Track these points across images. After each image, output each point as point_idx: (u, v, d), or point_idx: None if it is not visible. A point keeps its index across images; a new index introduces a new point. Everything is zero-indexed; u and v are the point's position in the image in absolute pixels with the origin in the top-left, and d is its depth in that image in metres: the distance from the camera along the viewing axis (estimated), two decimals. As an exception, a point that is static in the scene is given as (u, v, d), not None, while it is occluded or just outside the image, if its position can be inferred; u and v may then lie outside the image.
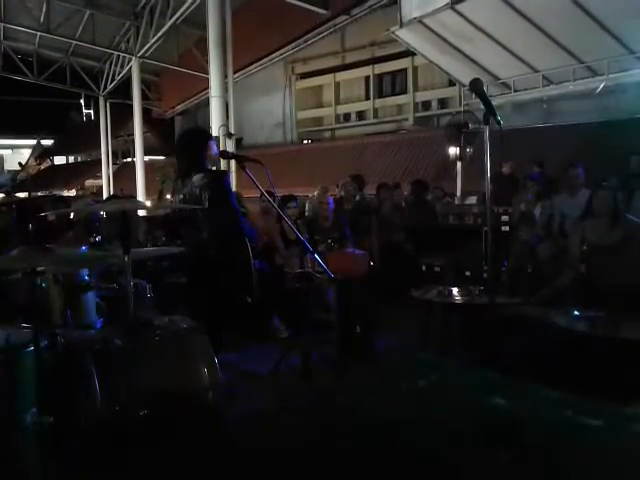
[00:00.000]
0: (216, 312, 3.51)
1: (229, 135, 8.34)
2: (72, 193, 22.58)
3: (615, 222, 4.05)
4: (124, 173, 20.35)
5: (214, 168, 3.84)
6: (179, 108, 18.13)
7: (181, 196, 3.67)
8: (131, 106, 13.96)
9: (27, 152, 30.36)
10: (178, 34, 12.86)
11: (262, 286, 5.23)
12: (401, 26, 9.06)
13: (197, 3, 9.56)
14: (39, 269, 2.03)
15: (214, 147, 3.76)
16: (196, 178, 3.55)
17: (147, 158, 15.36)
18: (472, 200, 9.41)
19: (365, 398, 1.35)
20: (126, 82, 15.20)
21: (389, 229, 7.11)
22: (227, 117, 8.48)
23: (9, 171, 28.48)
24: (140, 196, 13.38)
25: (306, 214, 6.03)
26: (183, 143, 3.89)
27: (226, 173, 3.75)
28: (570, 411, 1.23)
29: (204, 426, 2.53)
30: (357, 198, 7.39)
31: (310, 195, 8.27)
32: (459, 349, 3.91)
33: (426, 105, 18.09)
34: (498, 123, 2.53)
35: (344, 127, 20.03)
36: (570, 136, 10.67)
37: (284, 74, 20.33)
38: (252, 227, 4.24)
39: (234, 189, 7.67)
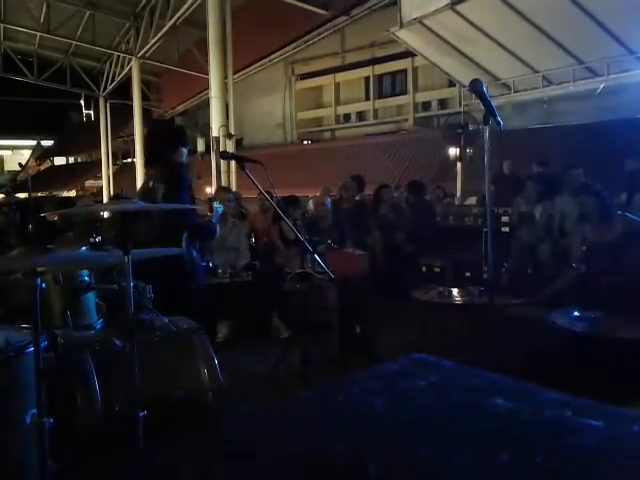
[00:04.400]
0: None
1: (229, 135, 8.34)
2: (72, 194, 22.60)
3: (610, 222, 4.05)
4: (124, 174, 20.36)
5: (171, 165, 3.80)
6: (179, 108, 18.14)
7: (139, 189, 3.68)
8: (131, 106, 13.97)
9: (27, 153, 30.37)
10: (178, 34, 12.87)
11: (261, 286, 5.24)
12: (401, 27, 9.06)
13: (197, 3, 9.57)
14: (39, 269, 2.03)
15: (184, 152, 3.76)
16: (152, 171, 3.58)
17: (147, 159, 15.35)
18: (472, 201, 9.42)
19: (365, 398, 1.35)
20: (126, 82, 15.21)
21: (389, 229, 7.11)
22: (227, 117, 8.49)
23: (9, 172, 28.48)
24: (140, 196, 13.37)
25: (309, 214, 6.04)
26: (155, 139, 3.91)
27: (181, 165, 3.68)
28: (570, 411, 1.23)
29: (204, 426, 2.53)
30: (358, 198, 7.39)
31: (311, 196, 8.27)
32: (459, 349, 3.91)
33: (426, 106, 18.10)
34: (498, 124, 2.53)
35: (344, 127, 20.05)
36: (570, 137, 10.68)
37: (284, 75, 20.34)
38: (210, 224, 4.11)
39: (234, 189, 7.68)
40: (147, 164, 3.77)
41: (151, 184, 3.55)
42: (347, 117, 20.23)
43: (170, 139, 3.82)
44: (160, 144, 3.78)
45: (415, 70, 17.84)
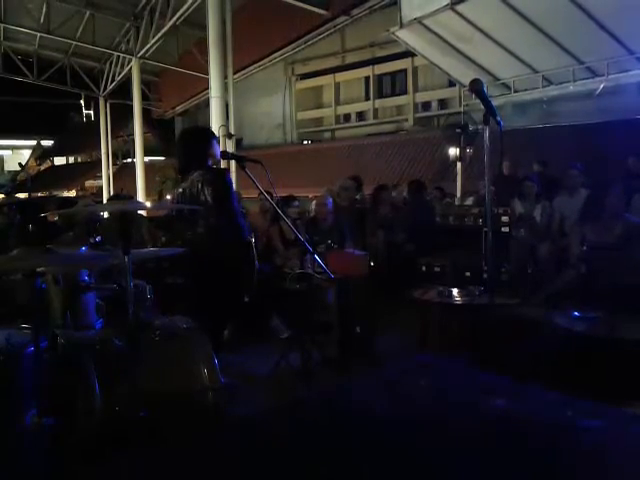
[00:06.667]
0: (213, 311, 3.48)
1: (229, 136, 8.34)
2: (72, 194, 22.59)
3: (614, 222, 4.06)
4: (124, 174, 20.36)
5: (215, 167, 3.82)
6: (179, 108, 18.13)
7: (180, 190, 3.64)
8: (131, 106, 13.95)
9: (27, 153, 30.35)
10: (178, 34, 12.86)
11: (261, 287, 5.24)
12: (401, 27, 9.05)
13: (197, 3, 9.56)
14: (39, 270, 2.03)
15: (216, 147, 3.74)
16: (196, 174, 3.54)
17: (147, 159, 15.35)
18: (471, 201, 9.42)
19: (365, 398, 1.35)
20: (126, 83, 15.20)
21: (389, 229, 7.12)
22: (227, 118, 8.48)
23: (9, 171, 28.46)
24: (140, 197, 13.39)
25: (311, 214, 6.03)
26: (185, 140, 3.87)
27: (227, 170, 3.71)
28: (570, 411, 1.23)
29: (204, 426, 2.53)
30: (358, 197, 7.41)
31: (311, 196, 8.27)
32: (459, 349, 3.91)
33: (426, 106, 18.10)
34: (498, 124, 2.53)
35: (344, 128, 20.05)
36: (570, 137, 10.68)
37: (284, 75, 20.34)
38: (250, 228, 4.22)
39: (234, 189, 7.69)
40: (182, 172, 3.71)
41: (199, 186, 3.47)
42: (347, 117, 20.23)
43: (198, 137, 3.77)
44: (191, 147, 3.72)
45: (415, 70, 17.84)
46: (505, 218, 6.01)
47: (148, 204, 4.32)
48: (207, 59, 8.23)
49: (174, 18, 10.77)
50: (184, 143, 3.80)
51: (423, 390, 1.38)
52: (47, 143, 30.24)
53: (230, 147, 8.14)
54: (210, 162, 3.63)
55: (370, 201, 7.64)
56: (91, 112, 24.63)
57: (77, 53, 15.48)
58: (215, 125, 8.01)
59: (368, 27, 13.55)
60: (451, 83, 14.00)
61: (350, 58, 19.14)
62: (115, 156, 21.91)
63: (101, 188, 18.70)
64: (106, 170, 17.54)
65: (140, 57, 13.07)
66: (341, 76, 19.95)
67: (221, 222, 3.50)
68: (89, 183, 25.03)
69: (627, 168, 7.16)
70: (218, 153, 3.72)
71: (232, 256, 3.52)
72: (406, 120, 18.32)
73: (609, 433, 1.15)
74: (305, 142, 20.13)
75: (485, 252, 4.66)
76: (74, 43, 14.01)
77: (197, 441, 1.22)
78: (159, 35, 11.68)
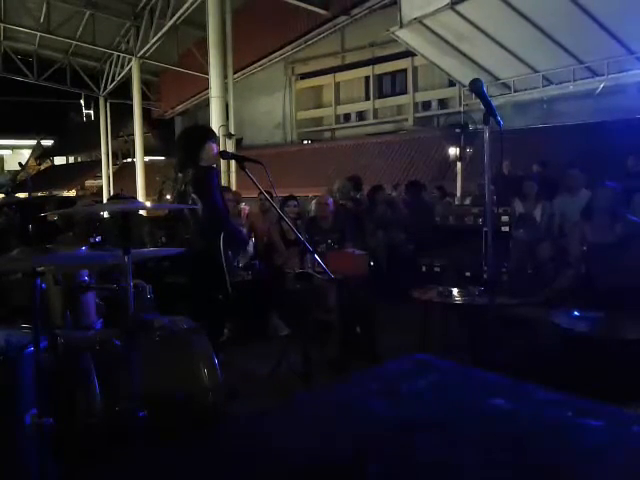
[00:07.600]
0: (196, 307, 3.52)
1: (229, 135, 8.35)
2: (72, 193, 22.59)
3: (614, 221, 4.06)
4: (124, 173, 20.37)
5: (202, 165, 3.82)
6: (179, 108, 18.14)
7: (175, 192, 3.71)
8: (131, 106, 13.97)
9: (27, 152, 30.36)
10: (178, 34, 12.87)
11: (261, 286, 5.25)
12: (401, 26, 9.06)
13: (197, 3, 9.57)
14: (39, 269, 2.03)
15: (214, 147, 3.74)
16: (185, 173, 3.60)
17: (147, 158, 15.35)
18: (471, 200, 9.43)
19: (365, 398, 1.35)
20: (126, 82, 15.22)
21: (387, 228, 7.12)
22: (227, 117, 8.49)
23: (9, 171, 28.46)
24: (140, 196, 13.40)
25: (311, 214, 6.04)
26: (182, 139, 3.91)
27: (212, 169, 3.71)
28: (570, 411, 1.23)
29: (204, 426, 2.53)
30: (358, 197, 7.40)
31: (311, 195, 8.27)
32: (459, 349, 3.91)
33: (426, 105, 18.10)
34: (498, 124, 2.53)
35: (344, 127, 20.05)
36: (570, 136, 10.68)
37: (284, 74, 20.35)
38: (242, 227, 4.25)
39: (234, 189, 7.69)
40: (180, 170, 3.74)
41: (183, 187, 3.57)
42: (347, 117, 20.23)
43: (193, 137, 3.80)
44: (186, 146, 3.75)
45: (415, 70, 17.84)
46: (505, 218, 6.00)
47: (148, 204, 4.31)
48: (207, 59, 8.24)
49: (174, 18, 10.78)
50: (181, 142, 3.84)
51: (423, 390, 1.38)
52: (47, 143, 30.24)
53: (230, 147, 8.15)
54: (203, 162, 3.63)
55: (366, 201, 7.66)
56: (91, 112, 24.65)
57: (77, 53, 15.50)
58: (215, 125, 8.02)
59: (368, 27, 13.55)
60: (451, 83, 14.01)
61: (350, 58, 19.14)
62: (115, 156, 21.92)
63: (101, 188, 18.71)
64: (106, 170, 17.55)
65: (140, 57, 13.08)
66: (341, 76, 19.95)
67: (204, 220, 3.53)
68: (89, 183, 25.04)
69: (627, 168, 7.16)
70: (214, 153, 3.72)
71: (209, 251, 3.55)
72: (406, 120, 18.33)
73: (609, 433, 1.15)
74: (305, 142, 20.12)
75: (485, 252, 4.66)
76: (74, 43, 14.02)
77: (197, 441, 1.22)
78: (159, 35, 11.69)
